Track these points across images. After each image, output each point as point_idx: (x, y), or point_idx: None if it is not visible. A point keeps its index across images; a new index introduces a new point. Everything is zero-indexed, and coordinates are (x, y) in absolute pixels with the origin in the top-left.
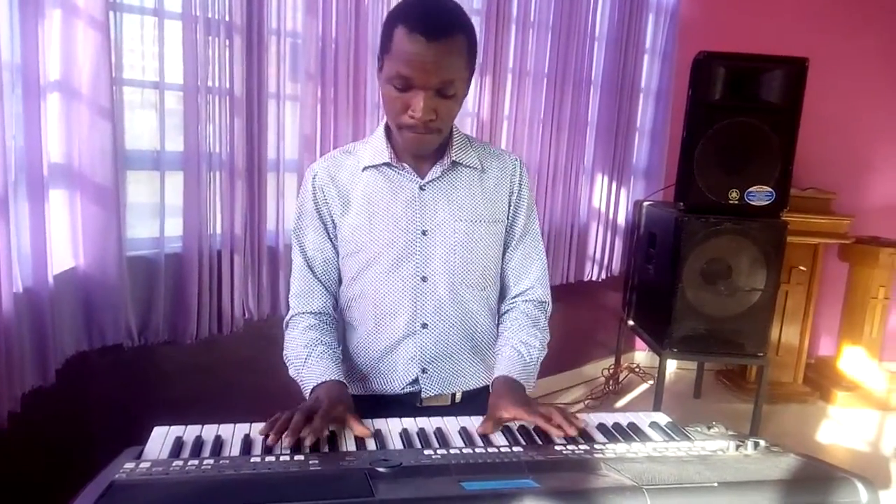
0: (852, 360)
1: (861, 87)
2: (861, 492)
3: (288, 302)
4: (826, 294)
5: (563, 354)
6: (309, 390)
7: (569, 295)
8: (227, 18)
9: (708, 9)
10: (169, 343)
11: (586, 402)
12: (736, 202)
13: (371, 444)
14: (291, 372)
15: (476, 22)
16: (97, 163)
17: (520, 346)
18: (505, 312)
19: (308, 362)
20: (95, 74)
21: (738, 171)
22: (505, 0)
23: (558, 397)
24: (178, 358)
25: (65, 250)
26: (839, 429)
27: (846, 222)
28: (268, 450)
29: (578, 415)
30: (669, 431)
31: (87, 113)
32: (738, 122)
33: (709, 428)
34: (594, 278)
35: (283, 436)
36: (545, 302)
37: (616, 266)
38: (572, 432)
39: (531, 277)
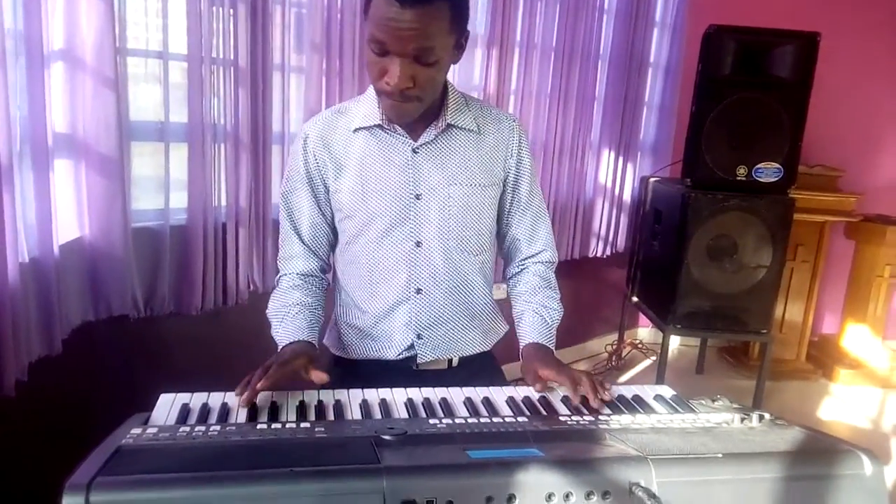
0: (856, 337)
1: (872, 63)
2: (866, 464)
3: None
4: (831, 272)
5: (567, 330)
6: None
7: (574, 271)
8: None
9: None
10: (174, 315)
11: None
12: (743, 178)
13: (377, 413)
14: (272, 331)
15: None
16: (101, 133)
17: (541, 309)
18: (516, 274)
19: (284, 321)
20: (99, 44)
21: (747, 148)
22: None
23: None
24: (184, 329)
25: (70, 220)
26: (841, 406)
27: (853, 200)
28: (273, 417)
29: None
30: (674, 404)
31: (91, 83)
32: (748, 97)
33: (713, 401)
34: (599, 254)
35: (243, 393)
36: (554, 262)
37: (621, 242)
38: (595, 404)
39: (541, 240)
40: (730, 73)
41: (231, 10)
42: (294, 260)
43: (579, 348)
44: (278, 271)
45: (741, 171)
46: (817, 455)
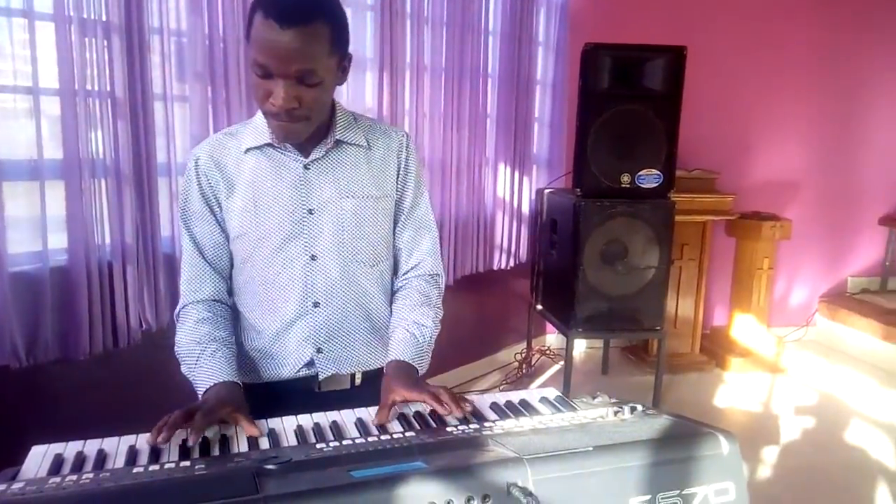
0: (744, 327)
1: (740, 74)
2: (723, 444)
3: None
4: (716, 267)
5: (477, 342)
6: (202, 391)
7: (479, 284)
8: (103, 18)
9: (595, 1)
10: (60, 361)
11: (501, 388)
12: (628, 186)
13: (264, 444)
14: (184, 369)
15: (368, 17)
16: None
17: (412, 326)
18: (398, 290)
19: (200, 361)
20: None
21: (628, 156)
22: None
23: (475, 384)
24: (72, 376)
25: None
26: (735, 393)
27: (730, 199)
28: (154, 458)
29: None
30: (557, 404)
31: None
32: (625, 109)
33: (593, 398)
34: (503, 266)
35: (160, 435)
36: (437, 275)
37: (523, 253)
38: (459, 413)
39: (422, 251)
40: (607, 87)
41: (105, 41)
42: (199, 283)
43: (490, 360)
44: (177, 301)
45: (625, 178)
46: (679, 440)
